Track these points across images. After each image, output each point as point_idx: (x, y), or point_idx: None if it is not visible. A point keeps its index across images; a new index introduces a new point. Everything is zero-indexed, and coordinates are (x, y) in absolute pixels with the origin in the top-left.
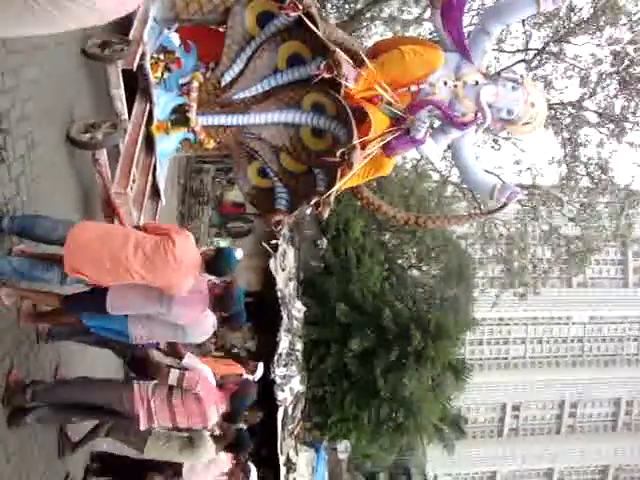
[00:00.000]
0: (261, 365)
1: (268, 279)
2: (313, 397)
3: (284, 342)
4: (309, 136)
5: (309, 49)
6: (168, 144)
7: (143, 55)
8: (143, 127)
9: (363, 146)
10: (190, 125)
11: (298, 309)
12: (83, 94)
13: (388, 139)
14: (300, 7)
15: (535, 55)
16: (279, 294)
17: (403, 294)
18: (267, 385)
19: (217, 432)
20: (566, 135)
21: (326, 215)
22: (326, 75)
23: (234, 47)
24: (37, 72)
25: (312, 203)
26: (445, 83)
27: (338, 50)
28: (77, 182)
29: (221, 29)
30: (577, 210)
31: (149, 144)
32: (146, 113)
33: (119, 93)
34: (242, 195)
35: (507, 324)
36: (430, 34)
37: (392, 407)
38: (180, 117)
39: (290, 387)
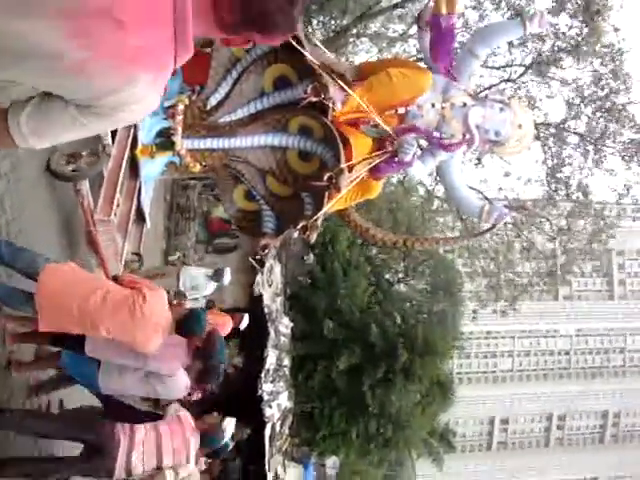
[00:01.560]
0: (246, 316)
1: (255, 296)
2: (301, 413)
3: (271, 358)
4: (296, 159)
5: (296, 72)
6: (153, 168)
7: None
8: (127, 151)
9: (350, 169)
10: (175, 149)
11: (285, 325)
12: None
13: (375, 162)
14: None
15: (520, 75)
16: (266, 310)
17: (390, 309)
18: (254, 402)
19: (203, 466)
20: (548, 155)
21: (313, 239)
22: (313, 99)
23: (220, 70)
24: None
25: (299, 227)
26: (433, 105)
27: (325, 74)
28: (59, 207)
29: (207, 50)
30: (557, 230)
31: (133, 168)
32: (130, 137)
33: None
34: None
35: (494, 337)
36: (417, 51)
37: (380, 422)
38: (165, 141)
39: (278, 403)
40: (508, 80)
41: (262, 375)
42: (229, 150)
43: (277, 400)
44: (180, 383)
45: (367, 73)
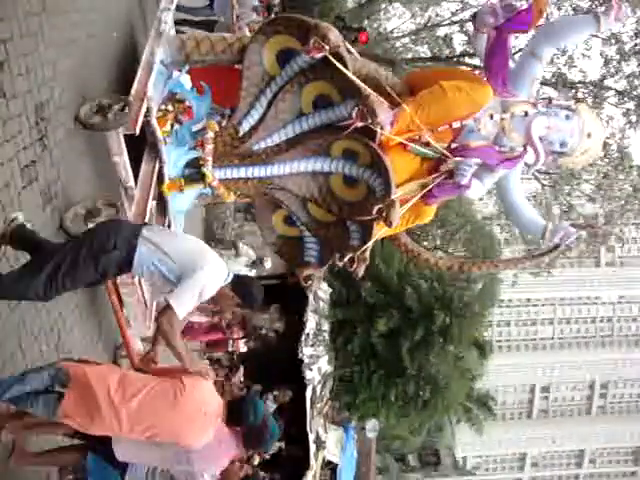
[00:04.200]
0: None
1: None
2: (341, 377)
3: (311, 322)
4: (340, 185)
5: (337, 90)
6: (183, 201)
7: (148, 111)
8: (153, 189)
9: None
10: (206, 181)
11: (324, 290)
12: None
13: (429, 187)
14: (326, 47)
15: None
16: None
17: (427, 274)
18: (296, 365)
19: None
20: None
21: (361, 273)
22: (359, 124)
23: (252, 90)
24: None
25: (346, 260)
26: (491, 117)
27: (371, 93)
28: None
29: (238, 66)
30: (596, 188)
31: (161, 204)
32: (155, 173)
33: (122, 160)
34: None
35: (535, 305)
36: (451, 13)
37: (419, 384)
38: (194, 173)
39: (318, 367)
40: None
41: (302, 339)
42: (266, 178)
43: (317, 364)
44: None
45: (417, 85)
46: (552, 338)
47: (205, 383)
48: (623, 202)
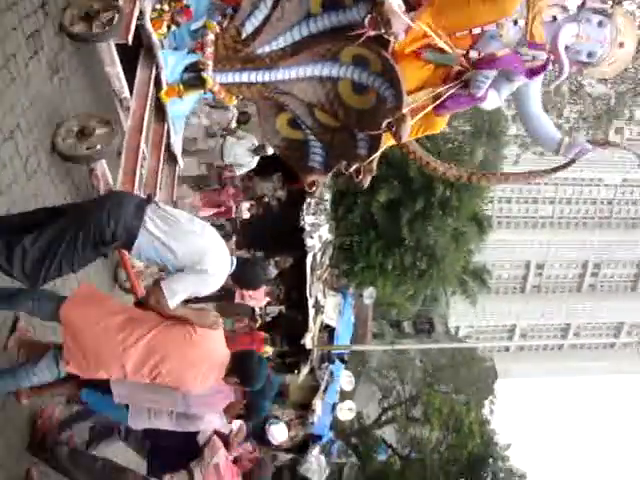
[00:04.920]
0: None
1: None
2: (341, 245)
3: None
4: (349, 92)
5: None
6: (182, 106)
7: (141, 14)
8: (150, 97)
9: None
10: (207, 86)
11: None
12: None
13: (443, 98)
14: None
15: None
16: None
17: (430, 147)
18: (297, 233)
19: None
20: None
21: (367, 184)
22: (372, 32)
23: None
24: None
25: (352, 169)
26: (515, 22)
27: (386, 0)
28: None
29: None
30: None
31: (159, 110)
32: (152, 79)
33: (115, 71)
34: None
35: (537, 183)
36: None
37: (416, 255)
38: (194, 77)
39: (319, 235)
40: None
41: (304, 207)
42: (270, 83)
43: (318, 232)
44: (214, 426)
45: None
46: (552, 217)
47: (215, 333)
48: (634, 84)
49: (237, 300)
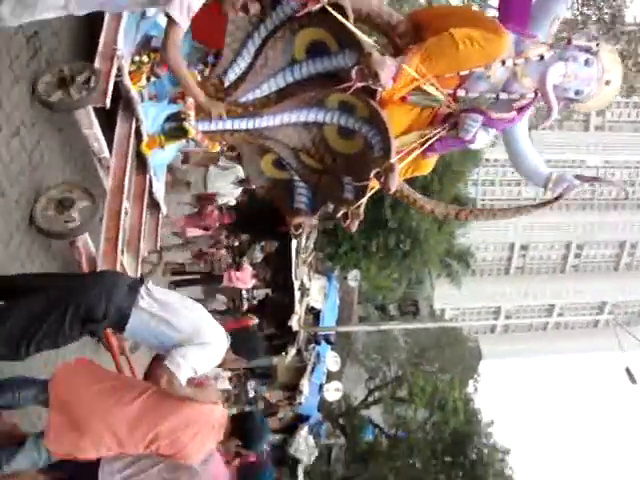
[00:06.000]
0: None
1: None
2: (324, 229)
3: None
4: (335, 136)
5: (335, 39)
6: (164, 155)
7: (119, 70)
8: (130, 153)
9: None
10: (188, 136)
11: None
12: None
13: (430, 141)
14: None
15: None
16: None
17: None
18: (281, 217)
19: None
20: None
21: (354, 229)
22: (359, 84)
23: (239, 34)
24: None
25: (340, 215)
26: (503, 63)
27: (373, 51)
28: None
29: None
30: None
31: (140, 161)
32: (132, 134)
33: (93, 132)
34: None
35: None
36: None
37: (399, 237)
38: (176, 127)
39: None
40: None
41: None
42: (254, 130)
43: None
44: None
45: (423, 26)
46: (534, 199)
47: (215, 407)
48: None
49: (225, 283)
